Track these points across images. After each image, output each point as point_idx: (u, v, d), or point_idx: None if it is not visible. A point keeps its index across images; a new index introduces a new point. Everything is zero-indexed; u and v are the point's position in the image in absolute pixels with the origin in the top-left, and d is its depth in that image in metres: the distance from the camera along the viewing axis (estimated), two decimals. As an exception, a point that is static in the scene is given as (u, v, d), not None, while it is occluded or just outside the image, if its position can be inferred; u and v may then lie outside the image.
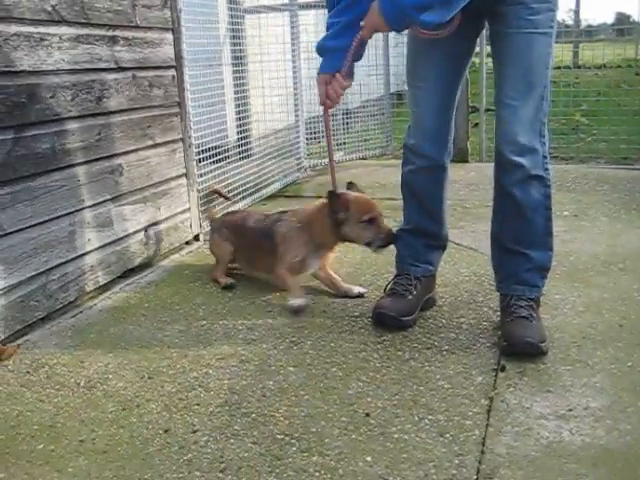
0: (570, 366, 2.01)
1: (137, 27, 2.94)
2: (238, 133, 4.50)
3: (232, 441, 1.70)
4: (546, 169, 2.16)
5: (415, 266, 2.42)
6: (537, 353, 2.07)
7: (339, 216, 2.45)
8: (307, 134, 5.13)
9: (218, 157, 3.86)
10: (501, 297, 2.29)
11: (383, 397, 1.88)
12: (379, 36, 5.52)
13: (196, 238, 3.46)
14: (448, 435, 1.69)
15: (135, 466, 1.62)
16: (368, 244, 2.48)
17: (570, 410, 1.78)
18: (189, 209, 3.40)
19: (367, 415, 1.79)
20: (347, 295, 2.61)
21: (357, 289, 2.63)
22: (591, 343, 2.15)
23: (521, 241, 2.21)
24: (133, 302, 2.67)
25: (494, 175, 2.23)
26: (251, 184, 4.22)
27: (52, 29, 2.46)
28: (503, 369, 2.00)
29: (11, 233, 2.32)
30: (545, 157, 2.16)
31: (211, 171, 3.73)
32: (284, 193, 4.58)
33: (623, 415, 1.74)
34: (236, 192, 4.00)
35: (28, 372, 2.11)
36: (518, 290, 2.22)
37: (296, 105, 4.99)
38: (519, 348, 2.07)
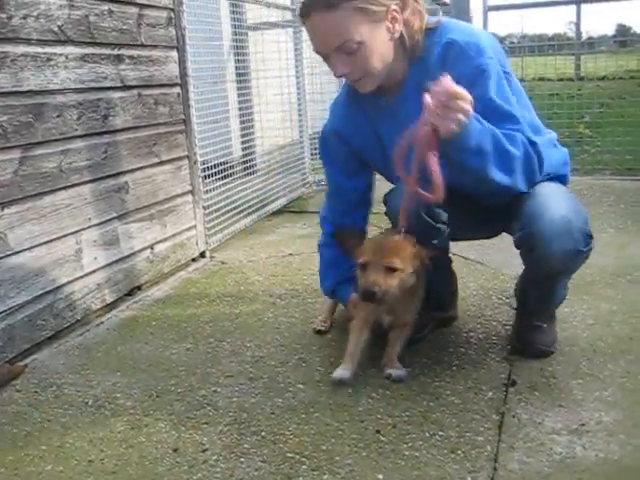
0: (581, 380, 1.99)
1: (142, 45, 2.96)
2: (243, 149, 4.52)
3: (242, 460, 1.69)
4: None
5: None
6: (548, 355, 2.14)
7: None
8: (311, 149, 5.14)
9: (223, 174, 3.87)
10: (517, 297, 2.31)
11: (393, 414, 1.86)
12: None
13: (202, 255, 3.46)
14: (460, 452, 1.67)
15: (145, 486, 1.61)
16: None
17: (582, 425, 1.76)
18: (195, 226, 3.41)
19: (378, 432, 1.77)
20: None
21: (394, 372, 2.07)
22: (602, 356, 2.13)
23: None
24: (140, 320, 2.67)
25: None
26: (256, 200, 4.24)
27: (58, 49, 2.47)
28: (514, 384, 1.99)
29: (18, 252, 2.32)
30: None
31: (216, 187, 3.75)
32: (290, 209, 4.58)
33: (637, 429, 1.72)
34: (242, 209, 4.01)
35: (36, 392, 2.11)
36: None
37: (300, 120, 5.02)
38: (529, 351, 2.14)
